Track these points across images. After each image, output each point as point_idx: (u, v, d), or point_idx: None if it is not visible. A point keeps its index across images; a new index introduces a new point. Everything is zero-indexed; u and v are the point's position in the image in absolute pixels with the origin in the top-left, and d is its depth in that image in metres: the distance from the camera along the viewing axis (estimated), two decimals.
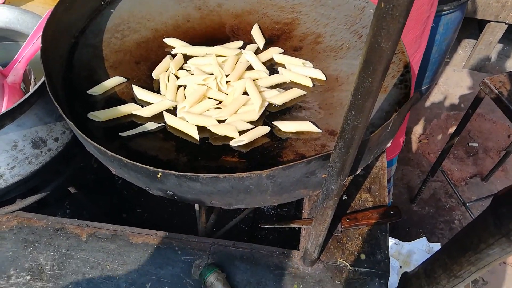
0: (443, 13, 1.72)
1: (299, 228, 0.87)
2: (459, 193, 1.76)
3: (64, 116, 0.61)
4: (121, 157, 0.55)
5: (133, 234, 0.84)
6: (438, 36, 1.84)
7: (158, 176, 0.54)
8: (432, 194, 2.02)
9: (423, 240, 1.55)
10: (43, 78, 0.74)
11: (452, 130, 2.25)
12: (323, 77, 0.80)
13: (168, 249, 0.81)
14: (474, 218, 0.69)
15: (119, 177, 0.71)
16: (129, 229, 0.84)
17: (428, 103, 2.44)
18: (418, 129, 2.30)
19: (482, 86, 1.25)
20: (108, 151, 0.55)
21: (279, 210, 1.39)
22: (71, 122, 0.60)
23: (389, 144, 0.66)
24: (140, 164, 0.54)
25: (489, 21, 2.34)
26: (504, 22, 2.32)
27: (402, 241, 1.55)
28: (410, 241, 1.55)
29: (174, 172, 0.53)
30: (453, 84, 2.55)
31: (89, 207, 1.28)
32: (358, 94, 0.42)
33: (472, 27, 2.84)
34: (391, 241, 1.53)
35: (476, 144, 2.19)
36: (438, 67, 2.03)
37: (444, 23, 1.78)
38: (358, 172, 0.64)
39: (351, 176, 0.91)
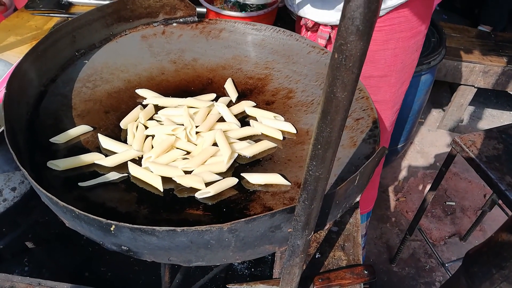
0: (415, 74, 1.81)
1: None
2: (438, 253, 1.73)
3: (17, 162, 0.58)
4: (72, 208, 0.51)
5: None
6: (411, 97, 1.91)
7: (112, 229, 0.51)
8: (411, 254, 1.98)
9: None
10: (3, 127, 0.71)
11: (428, 188, 2.26)
12: (293, 130, 0.80)
13: None
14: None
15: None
16: None
17: (404, 161, 2.47)
18: (395, 187, 2.30)
19: (453, 144, 1.28)
20: (59, 201, 0.52)
21: (253, 270, 1.32)
22: (24, 169, 0.56)
23: (358, 199, 0.64)
24: (92, 216, 0.50)
25: (460, 84, 2.46)
26: (473, 86, 2.44)
27: None
28: None
29: (128, 224, 0.49)
30: (428, 144, 2.61)
31: (49, 264, 1.19)
32: (318, 144, 0.41)
33: (444, 90, 2.97)
34: None
35: (453, 203, 2.20)
36: (412, 126, 2.08)
37: (416, 85, 1.86)
38: (327, 227, 0.61)
39: (324, 233, 0.88)
